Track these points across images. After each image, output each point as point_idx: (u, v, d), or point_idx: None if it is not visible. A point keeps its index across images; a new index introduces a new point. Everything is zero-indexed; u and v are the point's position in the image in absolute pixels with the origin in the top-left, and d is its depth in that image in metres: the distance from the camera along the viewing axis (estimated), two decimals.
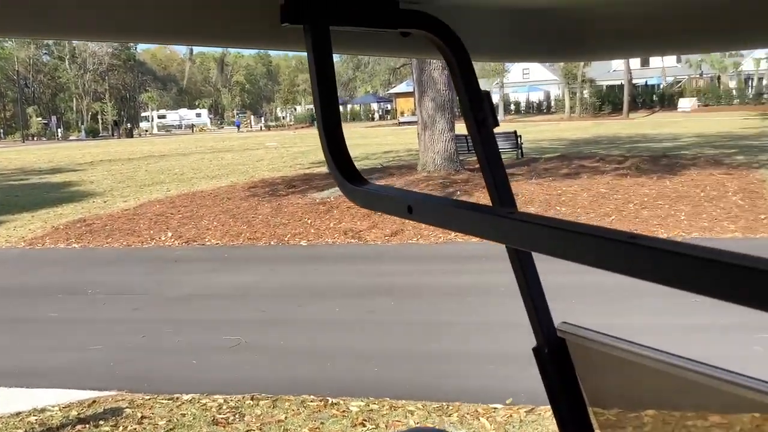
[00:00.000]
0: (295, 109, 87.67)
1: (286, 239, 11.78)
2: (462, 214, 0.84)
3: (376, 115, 71.31)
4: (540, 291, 1.39)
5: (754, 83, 58.85)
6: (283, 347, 6.42)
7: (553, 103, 61.51)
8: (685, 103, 50.33)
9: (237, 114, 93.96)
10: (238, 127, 74.31)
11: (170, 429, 4.64)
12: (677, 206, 11.61)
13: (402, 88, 67.10)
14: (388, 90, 71.11)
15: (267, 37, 1.19)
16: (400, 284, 8.63)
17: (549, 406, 1.39)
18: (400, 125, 53.35)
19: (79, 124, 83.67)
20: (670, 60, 67.80)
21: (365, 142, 33.93)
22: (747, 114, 42.30)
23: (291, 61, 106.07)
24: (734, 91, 53.71)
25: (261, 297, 8.33)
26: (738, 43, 1.19)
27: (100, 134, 77.19)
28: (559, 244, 0.70)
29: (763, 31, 1.00)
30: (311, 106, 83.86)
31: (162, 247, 11.84)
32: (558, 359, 1.41)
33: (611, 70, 66.25)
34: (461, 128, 16.67)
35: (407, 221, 12.01)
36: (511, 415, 4.64)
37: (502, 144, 18.98)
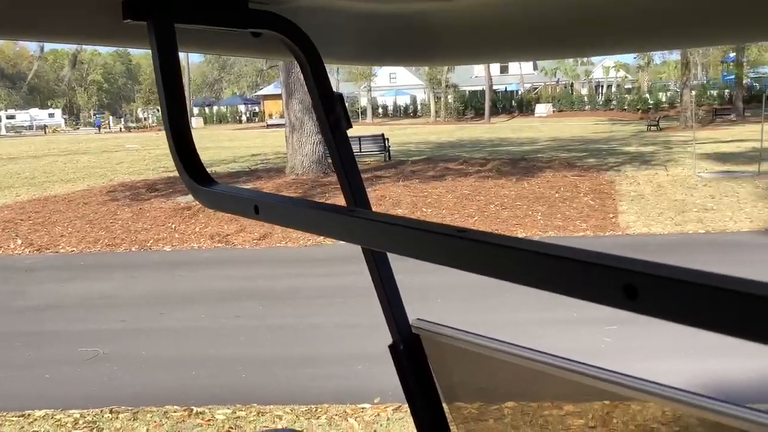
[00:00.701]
0: (158, 110, 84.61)
1: (148, 245, 11.34)
2: (311, 214, 0.82)
3: (244, 118, 70.12)
4: (394, 288, 1.40)
5: (604, 90, 62.83)
6: (144, 357, 6.16)
7: (419, 107, 62.90)
8: (542, 109, 52.94)
9: (95, 115, 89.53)
10: (99, 127, 70.73)
11: None
12: (534, 207, 12.19)
13: (270, 90, 66.43)
14: (255, 92, 70.12)
15: (110, 34, 1.13)
16: (267, 288, 8.53)
17: None
18: (268, 127, 52.76)
19: None
20: (527, 67, 71.14)
21: (233, 144, 33.32)
22: (597, 119, 45.08)
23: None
24: (586, 98, 57.04)
25: (121, 306, 7.96)
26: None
27: None
28: (410, 243, 0.70)
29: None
30: None
31: (10, 255, 11.08)
32: (412, 355, 1.43)
33: (473, 76, 68.68)
34: None
35: (276, 226, 11.90)
36: (378, 414, 4.69)
37: (369, 146, 19.22)
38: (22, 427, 4.66)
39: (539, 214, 11.73)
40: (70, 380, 5.64)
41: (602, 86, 65.86)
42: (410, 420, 4.56)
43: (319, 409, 4.76)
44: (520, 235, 10.64)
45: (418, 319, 1.43)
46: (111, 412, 4.85)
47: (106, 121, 77.97)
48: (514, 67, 72.38)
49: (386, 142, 19.41)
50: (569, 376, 1.19)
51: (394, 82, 73.41)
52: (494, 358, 1.30)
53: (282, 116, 57.28)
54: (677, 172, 14.59)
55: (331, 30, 1.22)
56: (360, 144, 19.14)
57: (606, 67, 70.85)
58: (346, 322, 6.89)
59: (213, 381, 5.46)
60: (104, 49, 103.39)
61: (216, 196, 0.94)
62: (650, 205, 11.90)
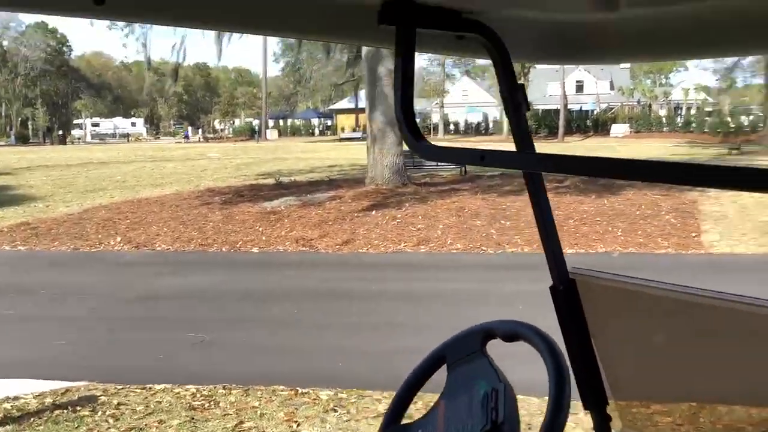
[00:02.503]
0: (234, 122, 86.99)
1: (238, 246, 11.91)
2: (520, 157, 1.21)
3: (317, 131, 71.49)
4: (556, 240, 1.73)
5: (683, 112, 61.54)
6: (253, 343, 6.64)
7: (491, 124, 62.90)
8: (618, 129, 52.24)
9: (174, 125, 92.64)
10: (187, 137, 72.95)
11: (148, 414, 4.80)
12: (614, 223, 12.24)
13: (343, 104, 67.56)
14: (329, 106, 71.44)
15: (361, 35, 1.49)
16: (351, 288, 8.92)
17: None
18: (341, 141, 53.73)
19: (8, 130, 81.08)
20: (603, 86, 70.36)
21: (308, 156, 34.15)
22: (677, 141, 44.22)
23: (230, 73, 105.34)
24: (664, 119, 55.99)
25: (226, 298, 8.51)
26: None
27: (31, 140, 74.95)
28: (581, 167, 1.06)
29: None
30: (251, 119, 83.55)
31: (111, 251, 11.81)
32: (569, 297, 1.74)
33: (547, 95, 68.29)
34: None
35: (356, 231, 12.32)
36: None
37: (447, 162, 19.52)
38: (146, 398, 5.13)
39: (619, 230, 11.78)
40: (184, 361, 6.14)
41: (681, 108, 64.52)
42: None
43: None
44: (599, 251, 10.77)
45: (574, 267, 1.74)
46: (224, 388, 5.28)
47: (184, 132, 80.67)
48: (589, 86, 71.61)
49: None
50: (716, 309, 1.45)
51: (466, 98, 73.59)
52: (643, 297, 1.60)
53: (354, 130, 58.20)
54: (762, 194, 14.36)
55: (519, 35, 1.55)
56: None
57: (685, 89, 69.40)
58: (429, 321, 7.21)
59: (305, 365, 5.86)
60: (186, 62, 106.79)
61: (432, 149, 1.30)
62: (734, 225, 11.82)
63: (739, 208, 12.99)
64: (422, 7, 1.25)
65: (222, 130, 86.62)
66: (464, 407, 1.26)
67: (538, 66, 56.15)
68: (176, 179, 23.03)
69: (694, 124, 51.68)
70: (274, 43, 78.53)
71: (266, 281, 9.65)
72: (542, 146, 43.34)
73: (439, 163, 19.31)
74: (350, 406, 4.97)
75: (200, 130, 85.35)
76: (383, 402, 5.01)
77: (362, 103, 63.75)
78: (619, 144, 44.72)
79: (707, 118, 51.19)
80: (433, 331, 6.70)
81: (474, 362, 1.33)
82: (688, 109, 62.21)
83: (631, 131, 52.65)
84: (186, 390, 5.26)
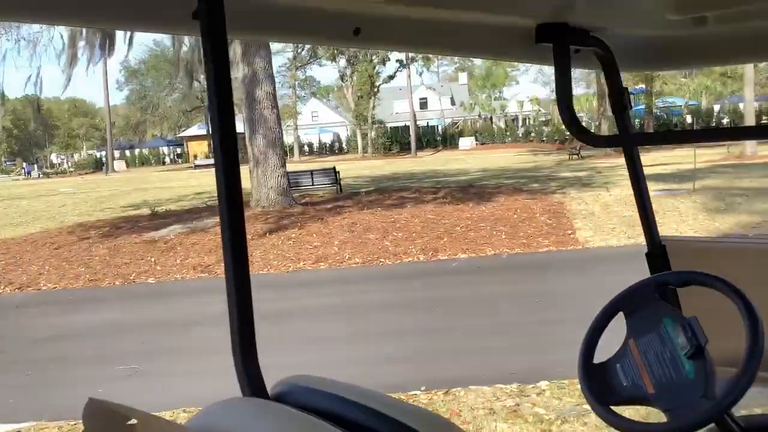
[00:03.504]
0: (73, 155, 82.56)
1: (131, 278, 11.62)
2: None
3: (167, 159, 69.39)
4: (650, 210, 2.13)
5: (519, 123, 65.57)
6: (191, 369, 6.64)
7: (344, 144, 63.93)
8: (465, 142, 54.83)
9: (6, 162, 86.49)
10: (29, 173, 68.35)
11: None
12: (497, 227, 13.10)
13: (194, 131, 66.08)
14: (178, 133, 69.61)
15: (518, 53, 1.84)
16: (272, 308, 9.05)
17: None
18: (196, 168, 52.55)
19: None
20: (445, 102, 73.61)
21: (170, 185, 33.25)
22: (519, 150, 47.10)
23: (64, 104, 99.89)
24: (507, 131, 59.42)
25: (137, 330, 8.35)
26: None
27: None
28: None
29: None
30: (93, 152, 79.45)
31: None
32: (660, 261, 2.14)
33: (394, 112, 70.55)
34: (290, 166, 17.03)
35: (254, 253, 12.35)
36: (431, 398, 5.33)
37: (321, 179, 19.87)
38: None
39: (503, 234, 12.63)
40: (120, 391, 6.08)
41: (518, 119, 68.80)
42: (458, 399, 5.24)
43: None
44: (488, 253, 11.51)
45: (664, 235, 2.16)
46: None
47: (19, 169, 75.51)
48: (433, 102, 74.67)
49: (337, 175, 20.13)
50: None
51: (317, 119, 74.38)
52: (731, 253, 2.03)
53: (208, 156, 57.10)
54: (617, 192, 15.88)
55: (626, 48, 1.96)
56: (312, 177, 19.79)
57: (520, 101, 73.92)
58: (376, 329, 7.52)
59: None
60: (13, 95, 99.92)
61: (609, 139, 1.71)
62: (601, 222, 13.00)
63: (603, 205, 14.29)
64: (569, 27, 1.63)
65: (60, 164, 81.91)
66: (656, 341, 1.62)
67: (383, 86, 57.95)
68: (36, 216, 21.76)
69: (533, 134, 55.26)
70: (116, 70, 75.39)
71: (175, 310, 9.53)
72: (399, 161, 44.36)
73: (314, 183, 19.63)
74: None
75: (35, 166, 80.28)
76: None
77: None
78: (468, 156, 46.98)
79: (544, 128, 54.96)
80: (361, 336, 7.04)
81: (652, 306, 1.68)
82: (524, 120, 66.44)
83: (477, 143, 55.45)
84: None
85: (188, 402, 5.51)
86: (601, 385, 1.65)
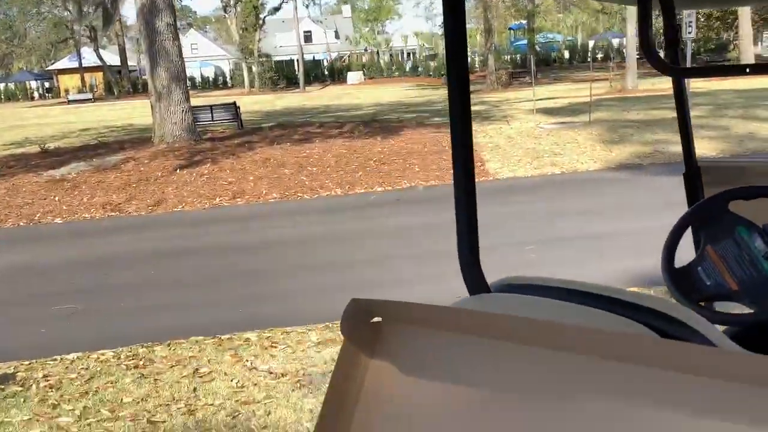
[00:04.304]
0: None
1: (37, 218, 11.15)
2: None
3: (36, 94, 64.89)
4: (690, 135, 2.40)
5: (405, 58, 65.81)
6: (121, 307, 6.60)
7: (228, 78, 62.04)
8: (353, 77, 54.50)
9: None
10: None
11: (90, 378, 4.78)
12: (410, 160, 13.41)
13: (64, 63, 62.12)
14: (47, 66, 65.13)
15: None
16: (195, 245, 9.01)
17: None
18: (70, 103, 49.61)
19: None
20: (330, 36, 72.70)
21: (48, 122, 31.31)
22: (408, 85, 47.41)
23: None
24: (393, 66, 59.50)
25: (70, 270, 8.12)
26: None
27: None
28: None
29: None
30: None
31: None
32: (695, 180, 2.43)
33: (278, 46, 69.04)
34: (195, 101, 16.45)
35: (166, 191, 12.09)
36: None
37: (222, 115, 19.44)
38: (67, 367, 5.04)
39: (416, 167, 12.96)
40: (63, 331, 5.99)
41: (402, 53, 69.04)
42: None
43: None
44: (404, 186, 11.83)
45: (700, 158, 2.44)
46: (142, 347, 5.34)
47: None
48: (318, 35, 73.54)
49: (238, 110, 19.73)
50: None
51: (197, 53, 71.49)
52: (764, 173, 2.32)
53: (81, 91, 53.99)
54: (517, 125, 16.51)
55: None
56: (212, 112, 19.30)
57: (404, 36, 74.11)
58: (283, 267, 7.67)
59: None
60: None
61: (689, 71, 1.97)
62: (508, 154, 13.57)
63: (507, 138, 14.87)
64: None
65: None
66: (733, 246, 1.89)
67: (268, 18, 56.42)
68: None
69: (420, 69, 55.68)
70: None
71: (92, 249, 9.26)
72: (288, 96, 43.56)
73: (214, 118, 19.18)
74: (283, 341, 5.33)
75: None
76: (310, 334, 5.41)
77: (87, 61, 59.17)
78: (358, 90, 46.83)
79: (431, 63, 55.44)
80: (302, 270, 7.20)
81: (724, 217, 1.95)
82: (409, 54, 66.78)
83: (365, 78, 55.30)
84: (102, 354, 5.24)
85: (140, 339, 5.53)
86: (686, 286, 1.92)
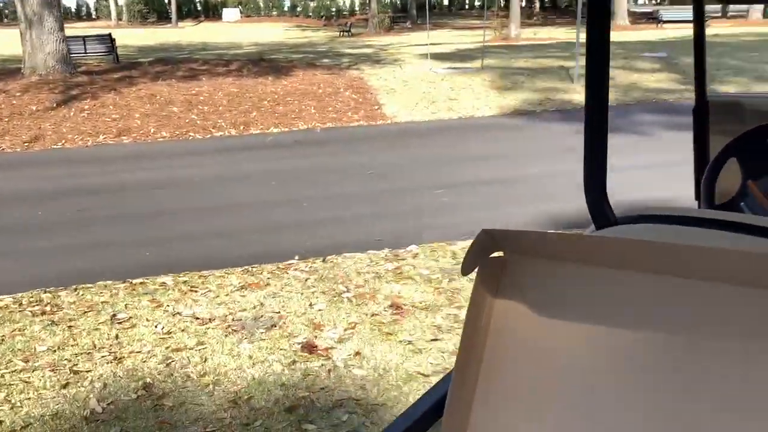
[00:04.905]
0: None
1: None
2: None
3: None
4: (704, 69, 2.37)
5: None
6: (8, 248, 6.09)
7: (93, 10, 58.01)
8: (230, 14, 52.42)
9: None
10: None
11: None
12: (305, 101, 13.09)
13: None
14: None
15: None
16: (83, 183, 8.44)
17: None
18: None
19: None
20: None
21: None
22: (286, 25, 46.18)
23: None
24: (272, 4, 57.65)
25: None
26: None
27: None
28: None
29: None
30: None
31: None
32: (702, 117, 2.42)
33: None
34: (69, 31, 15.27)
35: (43, 126, 11.23)
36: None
37: (96, 47, 18.17)
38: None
39: (312, 108, 12.68)
40: None
41: None
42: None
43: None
44: (301, 128, 11.56)
45: (710, 94, 2.41)
46: (45, 292, 4.96)
47: None
48: None
49: (114, 42, 18.48)
50: None
51: None
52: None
53: None
54: (410, 69, 16.45)
55: None
56: (85, 44, 17.99)
57: None
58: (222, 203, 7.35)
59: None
60: None
61: None
62: (404, 97, 13.51)
63: (402, 82, 14.78)
64: None
65: None
66: None
67: None
68: None
69: (299, 9, 54.33)
70: None
71: None
72: (160, 31, 41.36)
73: (87, 50, 17.92)
74: (203, 285, 5.09)
75: None
76: (230, 278, 5.20)
77: None
78: (235, 28, 45.17)
79: (311, 3, 54.19)
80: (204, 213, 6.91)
81: (763, 151, 1.93)
82: None
83: (242, 16, 53.36)
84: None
85: (39, 284, 5.14)
86: None
